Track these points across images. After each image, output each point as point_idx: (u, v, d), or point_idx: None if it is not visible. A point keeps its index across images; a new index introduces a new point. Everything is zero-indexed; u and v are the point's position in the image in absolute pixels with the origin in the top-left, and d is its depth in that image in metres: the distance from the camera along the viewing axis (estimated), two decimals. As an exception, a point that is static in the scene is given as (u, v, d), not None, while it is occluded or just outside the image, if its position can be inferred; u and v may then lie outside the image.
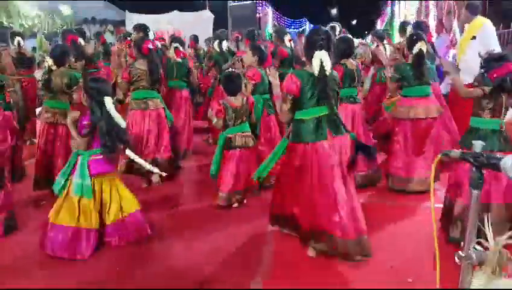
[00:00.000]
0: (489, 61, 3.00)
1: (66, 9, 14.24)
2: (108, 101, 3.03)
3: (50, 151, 4.35)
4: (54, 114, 4.32)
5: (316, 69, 2.82)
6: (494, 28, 5.14)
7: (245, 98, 3.94)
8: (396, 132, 4.06)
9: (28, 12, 11.99)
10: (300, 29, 27.38)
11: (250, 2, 18.61)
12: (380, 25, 26.34)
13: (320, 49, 2.84)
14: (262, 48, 4.58)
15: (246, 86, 4.23)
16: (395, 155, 4.08)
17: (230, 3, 18.24)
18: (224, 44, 6.64)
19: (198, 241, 3.35)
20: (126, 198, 3.21)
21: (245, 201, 4.06)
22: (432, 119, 3.98)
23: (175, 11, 14.02)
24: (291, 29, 26.30)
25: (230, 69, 4.26)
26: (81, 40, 5.88)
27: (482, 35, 5.15)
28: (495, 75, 2.88)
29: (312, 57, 2.86)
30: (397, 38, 15.70)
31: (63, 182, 3.07)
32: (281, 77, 5.43)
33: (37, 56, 11.65)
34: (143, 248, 3.25)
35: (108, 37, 20.04)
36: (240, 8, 18.09)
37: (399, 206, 3.93)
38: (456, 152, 1.33)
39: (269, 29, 21.26)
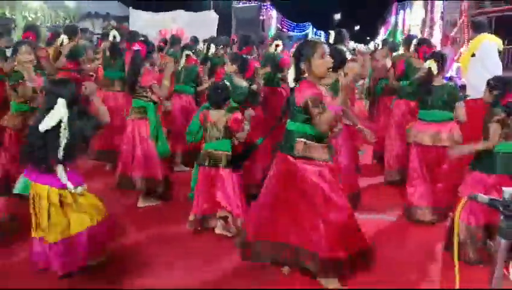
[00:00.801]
0: (503, 84, 2.95)
1: (70, 3, 14.14)
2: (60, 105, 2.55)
3: None
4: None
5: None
6: (495, 44, 5.04)
7: (228, 115, 3.46)
8: (410, 158, 3.85)
9: (32, 4, 11.90)
10: (303, 32, 27.45)
11: (255, 4, 18.61)
12: (383, 33, 26.47)
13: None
14: (245, 57, 4.28)
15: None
16: (409, 182, 3.90)
17: (235, 5, 18.22)
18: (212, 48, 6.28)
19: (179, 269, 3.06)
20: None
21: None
22: (442, 148, 3.61)
23: (180, 10, 13.94)
24: (294, 33, 26.36)
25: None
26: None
27: (481, 52, 5.06)
28: (509, 100, 2.85)
29: None
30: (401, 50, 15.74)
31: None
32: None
33: (39, 49, 11.58)
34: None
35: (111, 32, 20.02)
36: (244, 10, 18.09)
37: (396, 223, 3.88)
38: (483, 197, 1.29)
39: (272, 32, 21.29)
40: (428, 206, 3.73)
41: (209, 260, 3.14)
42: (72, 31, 5.69)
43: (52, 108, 2.54)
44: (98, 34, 19.25)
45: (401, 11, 16.71)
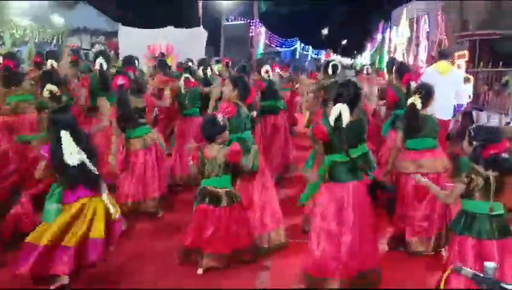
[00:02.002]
0: (484, 135, 2.66)
1: (57, 19, 14.09)
2: (64, 136, 2.77)
3: None
4: None
5: (331, 119, 2.86)
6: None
7: (224, 149, 3.29)
8: (400, 188, 3.84)
9: (20, 21, 11.83)
10: (291, 48, 27.75)
11: (244, 22, 18.79)
12: (370, 48, 26.91)
13: (343, 102, 2.86)
14: (246, 81, 4.10)
15: None
16: (397, 213, 3.88)
17: (224, 22, 18.36)
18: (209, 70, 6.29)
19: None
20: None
21: None
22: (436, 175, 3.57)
23: (169, 27, 13.97)
24: (282, 48, 26.63)
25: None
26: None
27: (454, 78, 5.56)
28: (491, 152, 2.58)
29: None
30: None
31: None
32: (261, 112, 5.14)
33: (26, 66, 11.47)
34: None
35: (99, 48, 19.97)
36: (233, 27, 18.23)
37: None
38: (467, 271, 1.30)
39: (261, 48, 21.50)
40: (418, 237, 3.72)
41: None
42: (56, 55, 5.71)
43: (59, 139, 2.76)
44: (85, 49, 19.24)
45: (388, 29, 17.02)
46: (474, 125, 2.85)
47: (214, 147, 3.31)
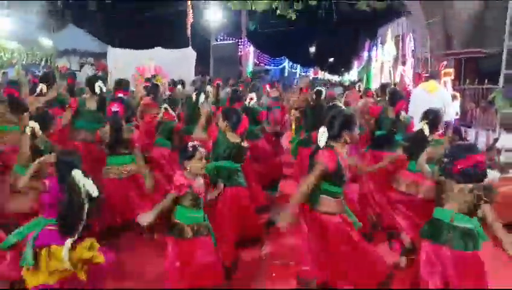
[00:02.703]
0: (452, 152, 2.83)
1: (46, 42, 14.07)
2: (78, 176, 2.67)
3: None
4: None
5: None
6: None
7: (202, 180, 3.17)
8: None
9: (7, 44, 11.78)
10: (280, 66, 28.03)
11: (232, 41, 18.96)
12: (356, 66, 27.31)
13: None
14: (237, 112, 3.96)
15: None
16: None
17: (213, 42, 18.52)
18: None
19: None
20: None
21: None
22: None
23: (158, 48, 14.02)
24: (271, 67, 26.88)
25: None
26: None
27: (443, 97, 5.88)
28: (459, 167, 2.73)
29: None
30: (375, 82, 16.23)
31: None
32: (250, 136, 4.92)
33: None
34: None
35: (88, 70, 19.90)
36: (222, 47, 18.38)
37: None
38: None
39: (250, 67, 21.67)
40: None
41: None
42: (48, 79, 5.63)
43: (65, 177, 2.70)
44: (75, 70, 19.17)
45: (374, 47, 17.30)
46: (449, 145, 3.05)
47: (200, 180, 3.16)
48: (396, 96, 4.92)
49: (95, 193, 2.65)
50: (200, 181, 3.13)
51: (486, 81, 8.73)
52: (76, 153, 3.07)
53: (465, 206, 2.74)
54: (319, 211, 2.95)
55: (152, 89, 6.54)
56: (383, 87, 6.22)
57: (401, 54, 13.62)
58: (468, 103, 9.18)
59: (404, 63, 13.32)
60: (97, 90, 4.91)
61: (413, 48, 12.45)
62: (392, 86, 6.22)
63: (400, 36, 13.60)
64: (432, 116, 3.83)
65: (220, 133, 3.83)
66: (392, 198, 3.93)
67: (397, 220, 3.80)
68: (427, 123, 3.76)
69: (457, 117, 8.85)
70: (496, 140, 6.54)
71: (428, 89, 5.84)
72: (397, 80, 13.28)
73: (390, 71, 14.45)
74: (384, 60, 15.43)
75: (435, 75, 6.43)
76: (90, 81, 5.07)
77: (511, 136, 6.74)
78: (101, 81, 4.98)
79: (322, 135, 2.93)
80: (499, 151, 6.00)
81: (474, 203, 2.71)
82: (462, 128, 8.34)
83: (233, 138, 3.82)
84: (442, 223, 2.78)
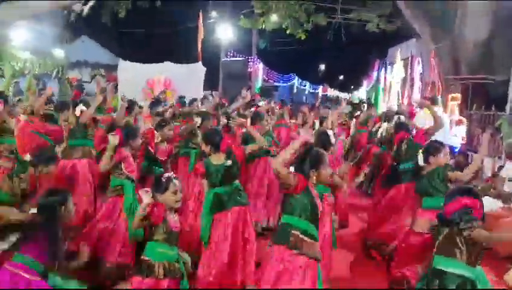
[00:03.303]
0: (448, 194, 2.78)
1: (58, 52, 14.30)
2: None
3: None
4: None
5: None
6: None
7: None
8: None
9: (20, 54, 11.99)
10: (289, 83, 28.16)
11: (242, 58, 19.13)
12: (366, 84, 27.31)
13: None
14: (216, 136, 3.87)
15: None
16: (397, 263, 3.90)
17: (222, 58, 18.71)
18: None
19: None
20: None
21: None
22: None
23: (168, 62, 14.19)
24: (280, 84, 27.02)
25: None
26: None
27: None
28: (448, 210, 2.65)
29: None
30: (381, 105, 16.21)
31: None
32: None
33: (24, 97, 11.55)
34: None
35: (99, 82, 20.17)
36: (232, 62, 18.54)
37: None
38: None
39: (259, 83, 21.82)
40: None
41: None
42: (63, 108, 5.57)
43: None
44: (85, 82, 19.44)
45: (383, 68, 17.32)
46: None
47: (175, 217, 3.00)
48: (401, 127, 4.98)
49: None
50: (175, 217, 2.94)
51: (493, 107, 8.67)
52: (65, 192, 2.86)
53: (457, 251, 2.55)
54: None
55: (152, 105, 6.60)
56: (388, 115, 6.24)
57: (409, 77, 13.60)
58: (474, 128, 9.10)
59: (412, 86, 13.30)
60: (77, 113, 4.89)
61: (421, 71, 12.45)
62: (398, 116, 6.15)
63: (409, 59, 13.60)
64: (425, 146, 3.85)
65: (207, 159, 3.77)
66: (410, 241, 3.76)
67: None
68: (422, 152, 3.77)
69: (464, 142, 8.78)
70: (500, 167, 6.46)
71: (427, 114, 5.88)
72: (405, 102, 13.25)
73: (398, 93, 14.43)
74: (392, 81, 15.42)
75: (434, 100, 6.59)
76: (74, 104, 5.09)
77: (516, 165, 6.65)
78: (82, 104, 4.97)
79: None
80: (502, 180, 5.92)
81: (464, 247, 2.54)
82: (469, 153, 8.28)
83: (218, 159, 3.74)
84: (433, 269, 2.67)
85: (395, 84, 15.11)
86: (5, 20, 8.45)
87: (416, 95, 12.33)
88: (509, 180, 5.76)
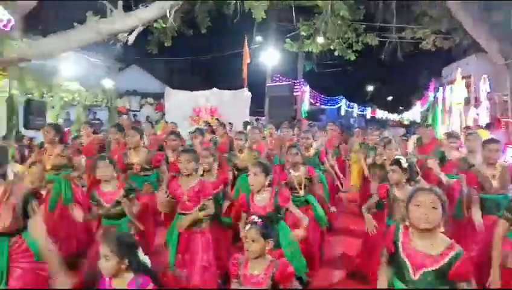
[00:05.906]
0: None
1: (107, 82, 14.47)
2: None
3: None
4: None
5: None
6: None
7: None
8: None
9: (70, 86, 12.16)
10: (336, 106, 27.31)
11: (288, 82, 18.66)
12: (420, 105, 25.85)
13: None
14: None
15: None
16: None
17: (268, 83, 18.32)
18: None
19: None
20: None
21: None
22: None
23: (213, 89, 14.00)
24: (327, 106, 26.24)
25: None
26: None
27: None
28: None
29: None
30: (440, 128, 15.01)
31: None
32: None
33: (73, 129, 11.63)
34: None
35: (148, 109, 20.39)
36: (277, 87, 18.10)
37: None
38: None
39: (306, 106, 21.18)
40: None
41: None
42: None
43: None
44: (134, 110, 19.66)
45: (441, 88, 16.13)
46: None
47: None
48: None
49: None
50: None
51: None
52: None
53: None
54: None
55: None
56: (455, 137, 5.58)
57: (473, 95, 12.43)
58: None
59: (477, 106, 12.12)
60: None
61: (488, 90, 11.30)
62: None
63: (472, 77, 12.47)
64: None
65: None
66: None
67: None
68: None
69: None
70: None
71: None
72: (469, 123, 12.08)
73: (460, 114, 13.24)
74: (452, 102, 14.23)
75: (488, 126, 5.71)
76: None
77: None
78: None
79: None
80: None
81: None
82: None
83: None
84: None
85: (456, 104, 13.91)
86: (53, 52, 8.43)
87: (483, 116, 11.18)
88: None
